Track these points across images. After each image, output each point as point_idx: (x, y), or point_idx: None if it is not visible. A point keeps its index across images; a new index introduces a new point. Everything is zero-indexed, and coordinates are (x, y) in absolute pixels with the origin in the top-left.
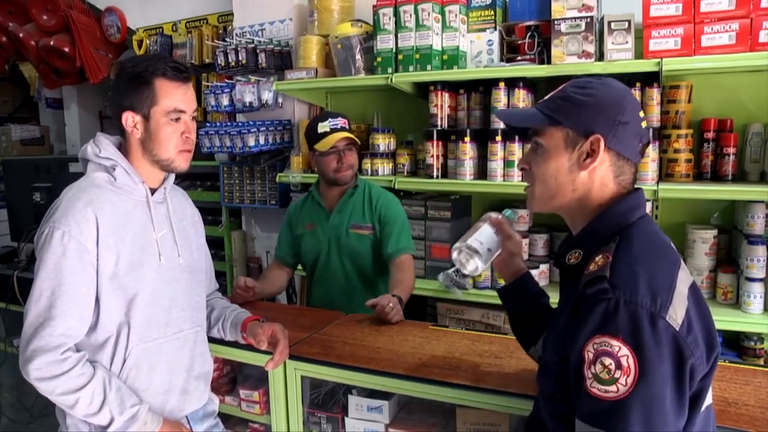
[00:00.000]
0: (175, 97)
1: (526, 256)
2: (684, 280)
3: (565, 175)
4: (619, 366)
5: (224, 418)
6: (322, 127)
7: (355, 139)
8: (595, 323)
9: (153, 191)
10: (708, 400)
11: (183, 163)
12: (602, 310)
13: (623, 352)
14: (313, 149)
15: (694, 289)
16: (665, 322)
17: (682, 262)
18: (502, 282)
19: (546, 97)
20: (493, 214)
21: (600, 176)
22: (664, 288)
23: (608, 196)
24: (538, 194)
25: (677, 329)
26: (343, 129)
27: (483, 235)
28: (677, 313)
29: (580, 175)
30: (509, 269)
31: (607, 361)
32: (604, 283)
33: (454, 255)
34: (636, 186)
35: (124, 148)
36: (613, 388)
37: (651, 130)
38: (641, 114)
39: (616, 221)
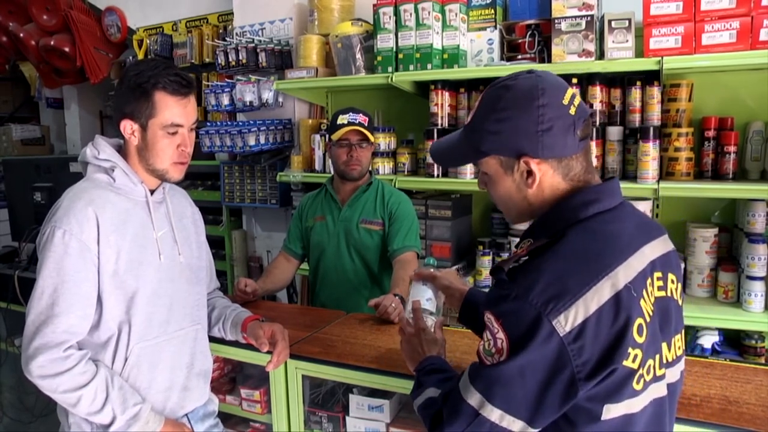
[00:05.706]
0: (173, 111)
1: None
2: (605, 289)
3: (516, 194)
4: (495, 344)
5: (225, 417)
6: (342, 118)
7: (369, 136)
8: (490, 298)
9: (152, 191)
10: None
11: (177, 174)
12: (497, 293)
13: (500, 335)
14: (330, 138)
15: (617, 299)
16: (550, 326)
17: (618, 270)
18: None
19: (469, 120)
20: (417, 270)
21: (548, 184)
22: (566, 293)
23: (562, 194)
24: (505, 213)
25: (561, 334)
26: (360, 125)
27: (425, 294)
28: (570, 319)
29: (528, 192)
30: (456, 296)
31: (489, 335)
32: (503, 274)
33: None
34: (609, 177)
35: (123, 151)
36: (489, 358)
37: (587, 111)
38: (564, 101)
39: (564, 215)
